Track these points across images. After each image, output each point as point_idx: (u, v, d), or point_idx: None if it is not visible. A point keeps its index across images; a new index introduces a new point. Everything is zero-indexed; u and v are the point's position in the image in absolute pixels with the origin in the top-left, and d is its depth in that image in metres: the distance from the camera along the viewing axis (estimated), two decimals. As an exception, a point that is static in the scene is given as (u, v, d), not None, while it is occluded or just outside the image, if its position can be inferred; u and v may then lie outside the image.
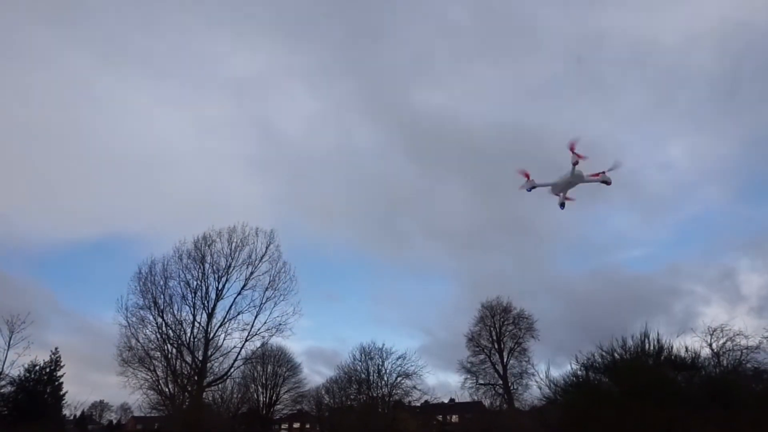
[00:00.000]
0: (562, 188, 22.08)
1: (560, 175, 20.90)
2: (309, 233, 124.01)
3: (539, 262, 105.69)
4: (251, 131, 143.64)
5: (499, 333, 59.19)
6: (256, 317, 43.10)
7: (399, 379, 58.80)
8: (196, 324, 42.43)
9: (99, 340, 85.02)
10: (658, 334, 22.80)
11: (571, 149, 19.72)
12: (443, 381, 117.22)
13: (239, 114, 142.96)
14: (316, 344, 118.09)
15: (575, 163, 19.94)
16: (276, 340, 48.23)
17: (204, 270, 43.21)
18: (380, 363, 59.18)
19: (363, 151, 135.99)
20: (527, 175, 22.08)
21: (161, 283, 42.60)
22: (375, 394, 58.86)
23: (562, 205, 22.51)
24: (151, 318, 41.90)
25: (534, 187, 22.63)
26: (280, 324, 43.35)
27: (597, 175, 21.22)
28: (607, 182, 21.46)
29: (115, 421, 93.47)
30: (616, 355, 23.08)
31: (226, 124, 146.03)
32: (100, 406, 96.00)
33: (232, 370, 44.97)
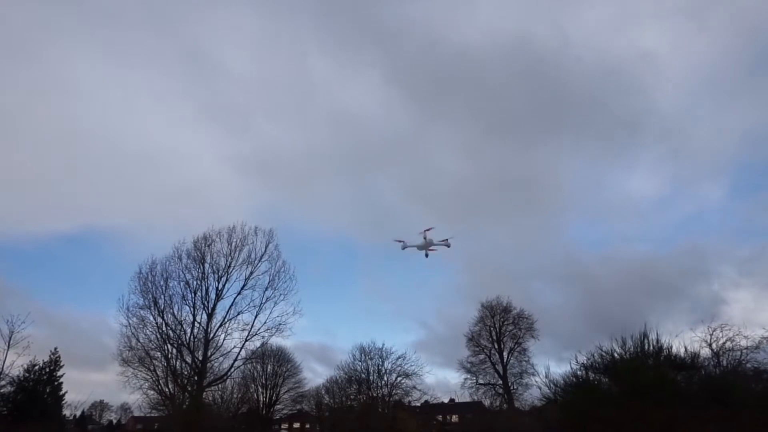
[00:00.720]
0: (422, 247, 36.24)
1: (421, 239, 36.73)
2: (277, 206, 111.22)
3: (546, 239, 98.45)
4: (179, 61, 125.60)
5: (499, 333, 59.25)
6: (256, 317, 43.22)
7: (399, 379, 58.94)
8: (196, 324, 42.57)
9: (75, 335, 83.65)
10: (657, 334, 22.79)
11: (425, 231, 35.62)
12: (442, 379, 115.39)
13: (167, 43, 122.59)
14: (306, 339, 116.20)
15: (425, 236, 35.39)
16: (276, 340, 48.36)
17: (204, 270, 43.31)
18: (380, 363, 59.35)
19: (324, 84, 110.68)
20: (400, 240, 37.86)
21: (161, 283, 42.72)
22: (375, 394, 58.89)
23: (426, 255, 37.09)
24: (151, 318, 42.01)
25: (406, 247, 37.27)
26: (279, 324, 43.45)
27: (444, 240, 36.74)
28: (448, 245, 36.45)
29: (115, 421, 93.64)
30: (615, 354, 23.04)
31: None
32: (100, 406, 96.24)
33: (232, 370, 45.10)
